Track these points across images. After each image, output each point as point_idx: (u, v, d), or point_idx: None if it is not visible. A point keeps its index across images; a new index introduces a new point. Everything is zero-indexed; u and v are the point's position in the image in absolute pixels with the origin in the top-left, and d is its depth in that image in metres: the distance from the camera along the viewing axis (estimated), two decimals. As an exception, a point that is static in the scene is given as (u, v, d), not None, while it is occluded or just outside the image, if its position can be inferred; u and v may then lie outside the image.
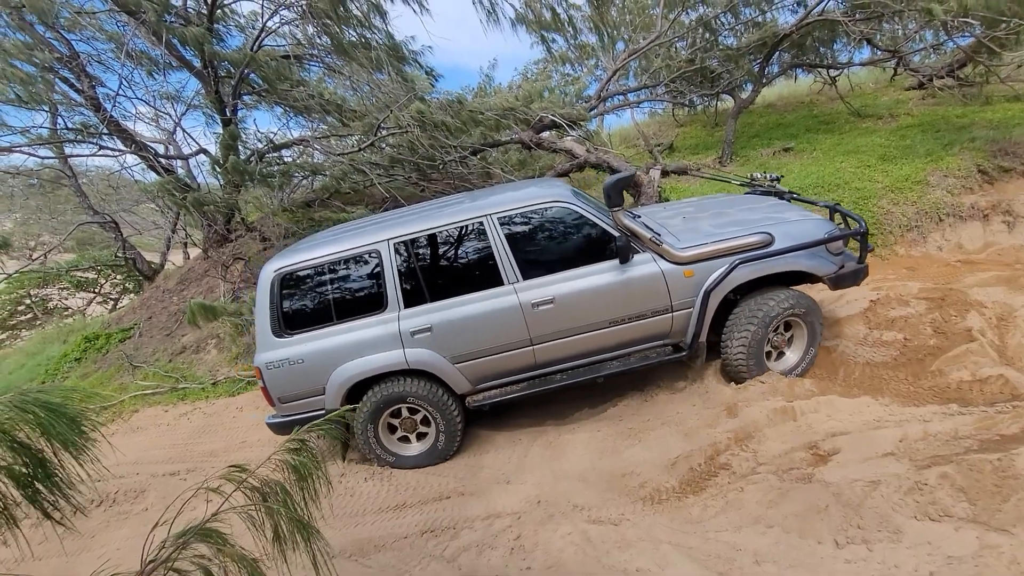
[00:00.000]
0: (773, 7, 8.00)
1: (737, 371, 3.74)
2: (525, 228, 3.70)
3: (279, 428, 3.71)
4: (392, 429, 3.76)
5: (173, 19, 6.55)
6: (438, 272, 3.64)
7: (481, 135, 7.37)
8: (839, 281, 3.74)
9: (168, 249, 9.87)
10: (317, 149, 8.22)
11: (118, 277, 10.39)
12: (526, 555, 2.64)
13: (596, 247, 3.59)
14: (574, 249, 3.65)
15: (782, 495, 2.64)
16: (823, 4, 7.16)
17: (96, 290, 10.38)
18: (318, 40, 7.56)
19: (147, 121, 8.22)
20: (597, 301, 3.53)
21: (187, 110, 8.24)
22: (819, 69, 8.98)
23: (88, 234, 11.37)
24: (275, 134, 8.12)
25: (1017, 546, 2.05)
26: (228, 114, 7.30)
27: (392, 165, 7.71)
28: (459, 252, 3.71)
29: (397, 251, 3.54)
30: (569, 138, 7.53)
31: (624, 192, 3.65)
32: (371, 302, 3.56)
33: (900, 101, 9.08)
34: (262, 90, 7.70)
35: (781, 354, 3.85)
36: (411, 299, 3.54)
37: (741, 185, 5.16)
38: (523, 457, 3.60)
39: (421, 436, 3.79)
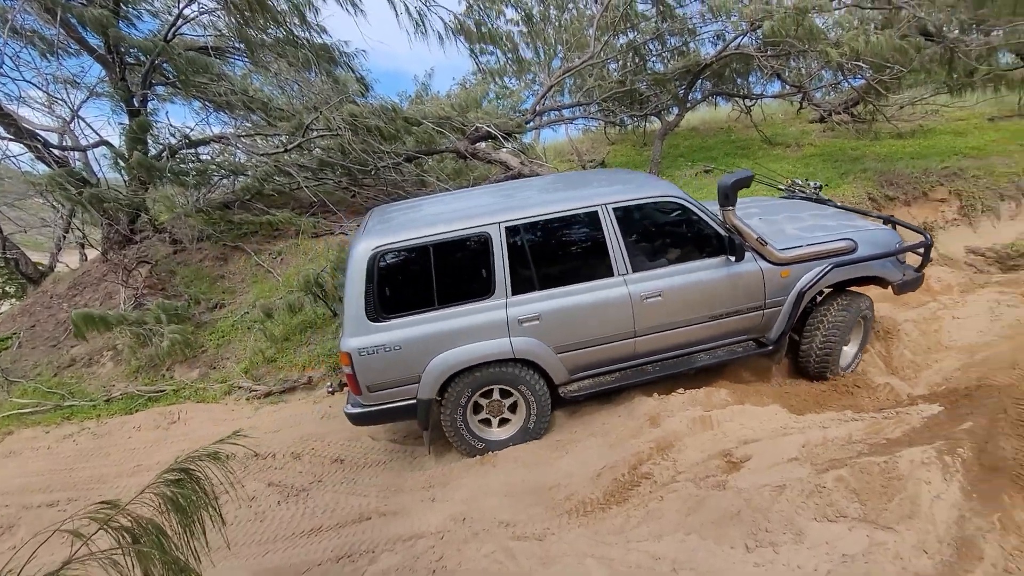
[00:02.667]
0: (696, 38, 8.54)
1: (822, 368, 3.93)
2: (637, 221, 3.71)
3: (363, 419, 3.46)
4: (476, 409, 3.63)
5: (72, -4, 5.95)
6: (548, 259, 3.53)
7: (416, 142, 7.26)
8: (903, 287, 4.01)
9: (59, 250, 8.85)
10: (239, 148, 7.72)
11: (-4, 280, 9.17)
12: (448, 576, 2.55)
13: (703, 243, 3.66)
14: (682, 244, 3.73)
15: (699, 503, 2.73)
16: (739, 39, 7.73)
17: (-33, 295, 9.09)
18: (242, 33, 7.15)
19: (37, 107, 7.35)
20: (702, 296, 3.60)
21: (88, 98, 7.47)
22: (736, 98, 9.67)
23: (-40, 230, 9.96)
24: (191, 129, 7.52)
25: (900, 542, 2.22)
26: (136, 105, 6.71)
27: (321, 168, 7.40)
28: (570, 240, 3.61)
29: (508, 235, 3.39)
30: (504, 150, 7.59)
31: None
32: (477, 287, 3.39)
33: (805, 132, 9.97)
34: (177, 81, 7.15)
35: (840, 349, 4.05)
36: (519, 286, 3.41)
37: (781, 189, 5.33)
38: (450, 473, 3.51)
39: (504, 422, 3.69)
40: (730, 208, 3.63)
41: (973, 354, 4.21)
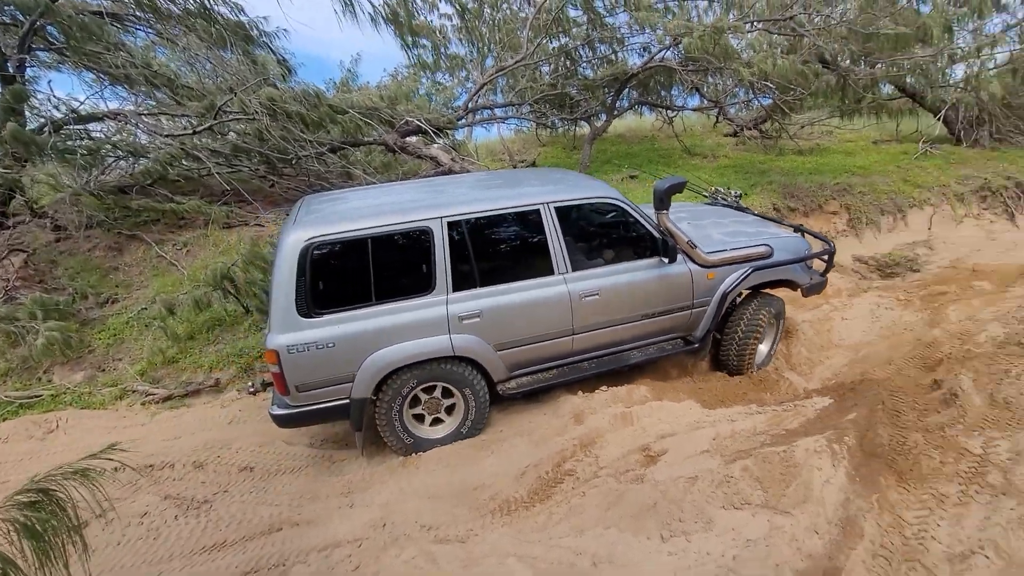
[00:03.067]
0: (624, 48, 8.86)
1: (741, 365, 4.21)
2: (577, 220, 3.76)
3: (289, 421, 3.27)
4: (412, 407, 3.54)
5: (-75, -62, 5.10)
6: (489, 256, 3.49)
7: (342, 132, 6.94)
8: (811, 290, 4.37)
9: (-92, 234, 7.56)
10: (140, 127, 6.99)
11: None
12: (366, 586, 2.44)
13: (638, 245, 3.78)
14: (618, 245, 3.84)
15: (619, 497, 2.80)
16: (663, 52, 8.12)
17: None
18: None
19: None
20: (637, 295, 3.73)
21: (-52, 58, 6.44)
22: (660, 109, 10.16)
23: None
24: (81, 103, 6.70)
25: (796, 525, 2.41)
26: (12, 71, 5.88)
27: (235, 154, 6.87)
28: (512, 237, 3.59)
29: (451, 231, 3.31)
30: (436, 146, 7.45)
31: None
32: (416, 283, 3.30)
33: (720, 144, 10.67)
34: (65, 48, 6.34)
35: (758, 347, 4.32)
36: (460, 283, 3.36)
37: (706, 196, 5.68)
38: (371, 477, 3.38)
39: (440, 420, 3.62)
40: (664, 212, 3.79)
41: (858, 351, 4.69)
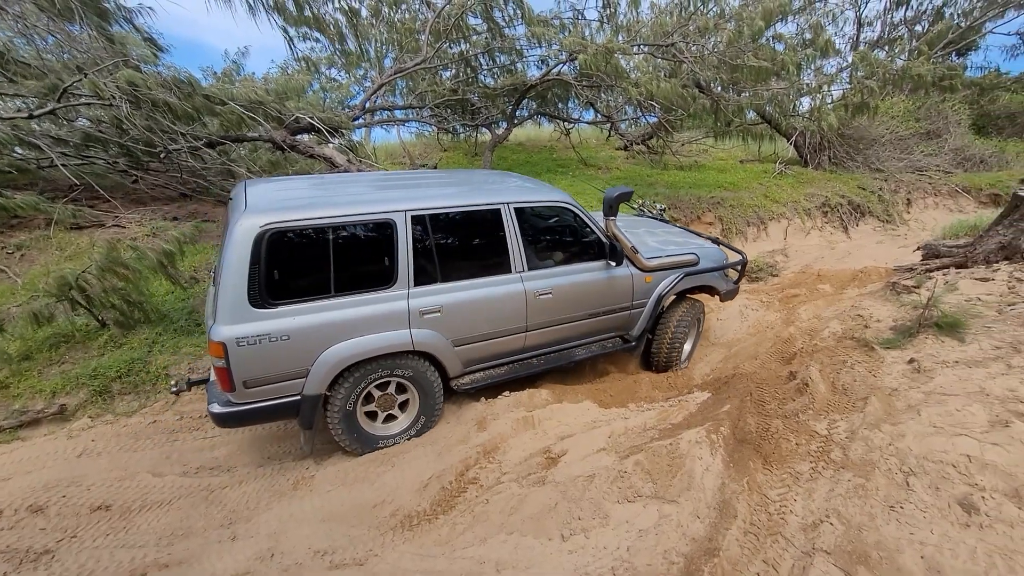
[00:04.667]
0: (523, 59, 9.10)
1: (670, 362, 4.55)
2: (534, 222, 3.90)
3: (232, 420, 3.07)
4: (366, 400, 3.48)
5: None
6: (450, 252, 3.50)
7: (222, 126, 6.33)
8: (727, 295, 4.80)
9: None
10: (-45, 106, 5.83)
11: None
12: (250, 626, 2.21)
13: (588, 248, 3.98)
14: (570, 247, 4.01)
15: (521, 501, 2.84)
16: (560, 67, 8.47)
17: None
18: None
19: None
20: (585, 296, 3.94)
21: None
22: (557, 120, 10.58)
23: None
24: None
25: (681, 512, 2.60)
26: None
27: (87, 144, 5.98)
28: (472, 235, 3.63)
29: (414, 225, 3.30)
30: (330, 145, 7.08)
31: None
32: (378, 276, 3.26)
33: (612, 157, 11.37)
34: None
35: (683, 346, 4.65)
36: (421, 277, 3.36)
37: (634, 209, 5.97)
38: (257, 504, 3.09)
39: (392, 416, 3.58)
40: (613, 218, 3.99)
41: (731, 348, 5.21)
